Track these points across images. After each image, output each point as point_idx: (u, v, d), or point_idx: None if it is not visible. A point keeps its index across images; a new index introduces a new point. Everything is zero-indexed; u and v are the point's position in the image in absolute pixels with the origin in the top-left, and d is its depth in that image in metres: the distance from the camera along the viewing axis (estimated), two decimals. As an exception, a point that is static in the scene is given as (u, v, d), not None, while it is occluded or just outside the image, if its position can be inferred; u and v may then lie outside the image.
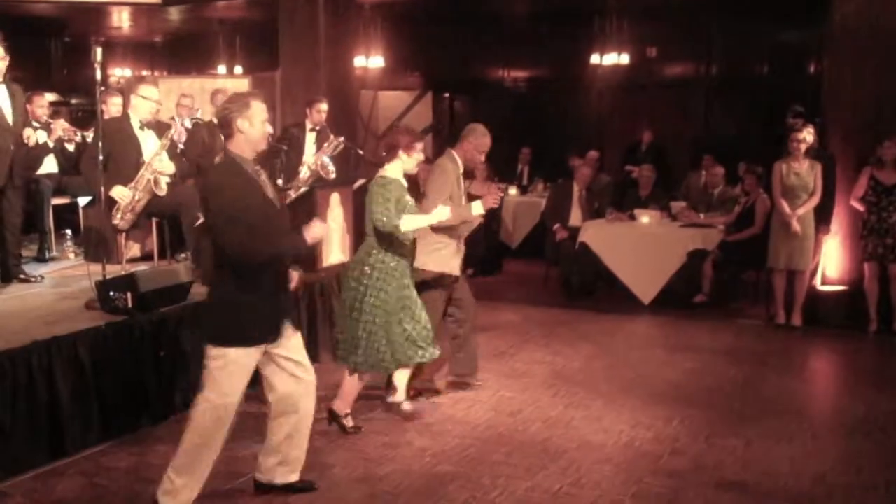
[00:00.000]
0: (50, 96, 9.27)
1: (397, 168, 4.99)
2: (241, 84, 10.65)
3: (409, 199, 4.92)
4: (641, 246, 8.48)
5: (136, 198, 6.06)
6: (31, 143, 6.57)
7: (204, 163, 7.19)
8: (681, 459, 4.72)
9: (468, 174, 5.97)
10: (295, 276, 4.14)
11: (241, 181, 3.74)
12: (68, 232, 7.57)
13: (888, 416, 5.46)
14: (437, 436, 5.03)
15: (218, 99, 7.47)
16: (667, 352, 6.93)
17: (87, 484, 4.35)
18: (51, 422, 4.53)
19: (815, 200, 7.50)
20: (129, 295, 5.10)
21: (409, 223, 4.82)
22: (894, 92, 7.57)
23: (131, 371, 4.98)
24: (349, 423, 5.07)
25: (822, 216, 7.71)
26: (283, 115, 10.00)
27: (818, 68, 11.77)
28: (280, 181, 6.90)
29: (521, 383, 6.01)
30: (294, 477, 4.20)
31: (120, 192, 5.99)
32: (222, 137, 3.95)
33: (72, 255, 7.34)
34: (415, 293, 5.01)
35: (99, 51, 5.46)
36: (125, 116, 6.37)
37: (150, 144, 6.24)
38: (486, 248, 9.58)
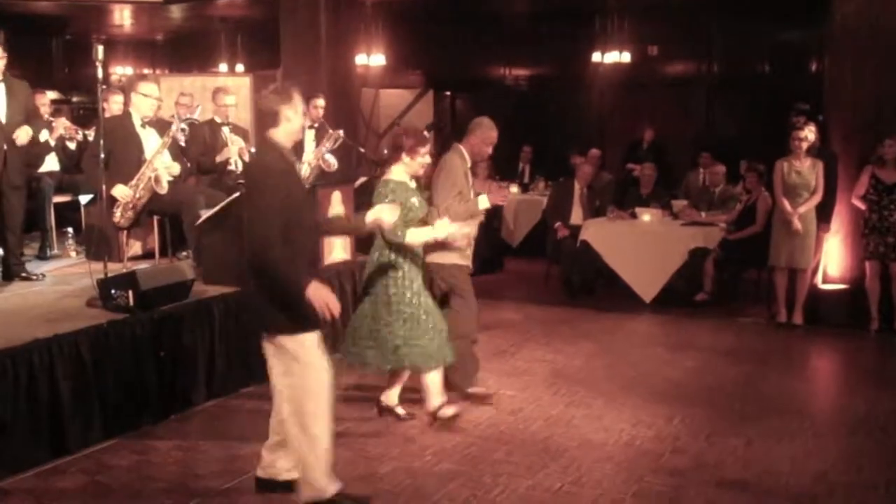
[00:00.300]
0: (51, 94, 9.28)
1: (401, 171, 4.99)
2: (243, 82, 10.64)
3: (415, 201, 4.92)
4: (642, 244, 8.48)
5: (137, 196, 6.06)
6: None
7: (205, 161, 7.19)
8: (682, 458, 4.72)
9: (474, 169, 5.97)
10: None
11: (288, 166, 3.92)
12: (70, 230, 7.57)
13: (889, 414, 5.45)
14: (438, 434, 5.03)
15: (219, 97, 7.47)
16: (668, 350, 6.93)
17: (89, 482, 4.35)
18: (52, 420, 4.53)
19: (817, 199, 7.50)
20: (130, 293, 5.11)
21: (414, 236, 4.86)
22: (895, 91, 7.56)
23: (132, 369, 4.98)
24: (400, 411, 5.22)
25: (824, 215, 7.71)
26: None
27: (819, 67, 11.77)
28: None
29: (521, 382, 6.01)
30: (296, 475, 4.20)
31: (121, 191, 5.99)
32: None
33: (73, 254, 7.34)
34: (427, 295, 5.03)
35: (100, 49, 5.46)
36: (126, 114, 6.37)
37: (151, 142, 6.24)
38: (487, 246, 9.57)
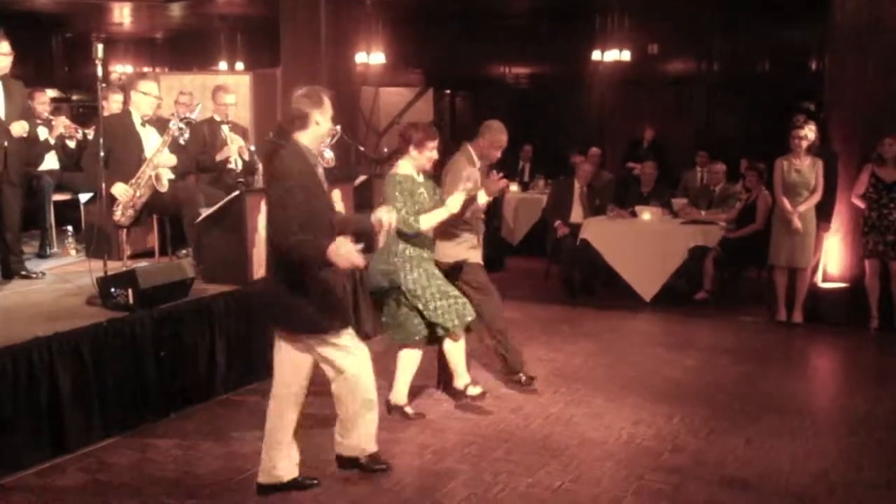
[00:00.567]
0: (51, 93, 9.28)
1: (408, 165, 5.02)
2: (243, 81, 10.63)
3: (422, 192, 4.95)
4: (643, 243, 8.48)
5: (138, 194, 6.06)
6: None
7: (204, 160, 7.19)
8: (682, 456, 4.72)
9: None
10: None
11: (308, 169, 3.98)
12: (69, 228, 7.56)
13: (889, 413, 5.46)
14: (439, 432, 5.04)
15: (219, 96, 7.47)
16: (668, 349, 6.93)
17: (89, 480, 4.35)
18: (52, 418, 4.53)
19: (817, 197, 7.50)
20: (130, 291, 5.11)
21: (428, 221, 4.94)
22: (895, 90, 7.56)
23: (132, 367, 4.98)
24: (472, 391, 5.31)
25: (824, 213, 7.71)
26: (283, 111, 10.00)
27: (819, 66, 11.77)
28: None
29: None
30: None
31: (121, 190, 5.99)
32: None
33: (73, 252, 7.33)
34: (441, 277, 5.14)
35: (100, 47, 5.46)
36: (126, 113, 6.37)
37: (151, 141, 6.24)
38: (487, 245, 9.56)
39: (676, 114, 13.28)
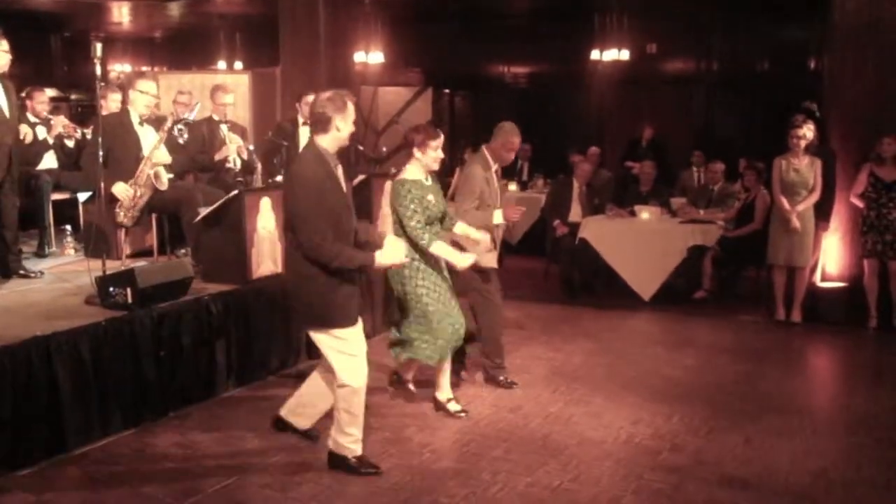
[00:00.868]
0: (50, 92, 9.26)
1: (415, 168, 5.02)
2: (241, 80, 10.61)
3: (431, 198, 4.96)
4: (641, 242, 8.48)
5: (138, 194, 6.05)
6: (28, 140, 6.56)
7: (203, 159, 7.18)
8: (681, 455, 4.72)
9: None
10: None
11: (326, 173, 4.09)
12: (68, 227, 7.55)
13: (888, 412, 5.46)
14: (437, 431, 5.04)
15: (218, 96, 7.45)
16: (667, 348, 6.93)
17: (88, 479, 4.35)
18: (51, 417, 4.53)
19: (815, 197, 7.51)
20: (128, 290, 5.10)
21: (439, 250, 4.95)
22: (894, 88, 7.56)
23: (131, 366, 4.97)
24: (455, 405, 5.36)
25: (822, 213, 7.72)
26: (283, 110, 10.00)
27: (818, 65, 11.78)
28: (280, 178, 6.89)
29: (521, 379, 6.00)
30: (307, 424, 4.72)
31: (121, 189, 5.98)
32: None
33: (71, 251, 7.32)
34: (447, 287, 5.14)
35: (99, 46, 5.45)
36: (125, 112, 6.36)
37: (149, 140, 6.23)
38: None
39: (675, 113, 13.28)
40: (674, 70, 13.96)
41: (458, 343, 5.17)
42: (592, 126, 14.07)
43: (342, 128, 4.13)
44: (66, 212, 7.76)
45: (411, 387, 5.55)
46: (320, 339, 4.24)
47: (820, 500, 4.22)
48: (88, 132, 7.14)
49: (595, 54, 13.52)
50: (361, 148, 8.15)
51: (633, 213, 8.94)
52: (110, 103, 7.29)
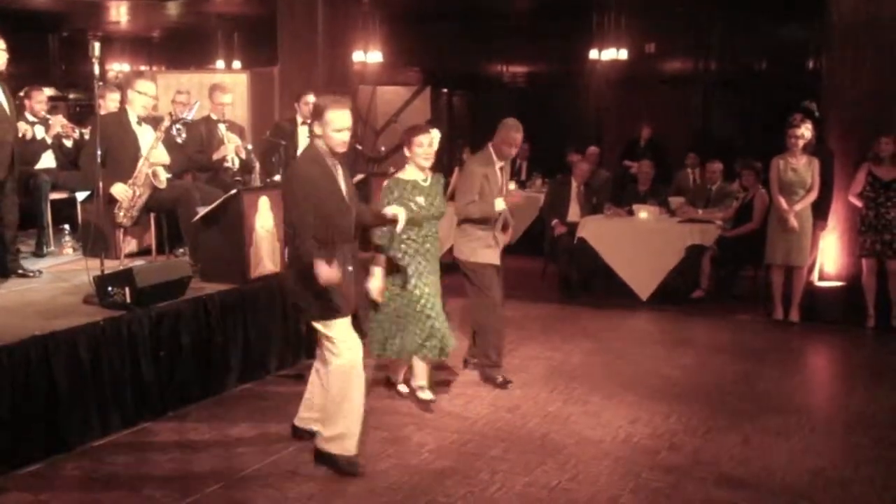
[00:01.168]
0: (48, 91, 9.25)
1: (413, 168, 5.11)
2: (240, 79, 10.61)
3: (421, 200, 5.03)
4: (640, 242, 8.48)
5: (137, 193, 6.05)
6: (28, 136, 6.56)
7: (201, 158, 7.17)
8: (679, 455, 4.72)
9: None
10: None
11: (321, 173, 4.19)
12: (66, 227, 7.54)
13: (886, 411, 5.47)
14: (436, 431, 5.04)
15: (216, 95, 7.45)
16: (665, 348, 6.94)
17: (86, 478, 4.34)
18: (49, 416, 4.53)
19: (813, 196, 7.51)
20: (127, 290, 5.09)
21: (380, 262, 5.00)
22: (892, 88, 7.57)
23: (130, 366, 4.97)
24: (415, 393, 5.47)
25: (820, 212, 7.72)
26: (281, 109, 10.00)
27: (816, 64, 11.78)
28: (278, 177, 6.89)
29: (519, 379, 6.00)
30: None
31: (120, 190, 5.98)
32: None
33: (70, 250, 7.31)
34: (430, 290, 5.16)
35: (97, 45, 5.44)
36: (122, 111, 6.36)
37: (147, 139, 6.22)
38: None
39: (674, 113, 13.28)
40: (672, 69, 13.96)
41: (432, 351, 5.21)
42: (591, 125, 14.08)
43: (319, 133, 4.21)
44: (64, 211, 7.75)
45: (402, 388, 5.59)
46: (317, 326, 4.33)
47: (818, 499, 4.23)
48: (87, 132, 7.13)
49: (593, 54, 13.52)
50: (360, 147, 8.15)
51: (631, 213, 8.94)
52: (108, 103, 7.28)
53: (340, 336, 4.27)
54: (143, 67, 17.40)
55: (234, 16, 15.07)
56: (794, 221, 7.43)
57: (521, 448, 4.79)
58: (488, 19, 14.03)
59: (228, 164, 7.24)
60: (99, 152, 5.57)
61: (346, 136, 4.22)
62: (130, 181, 6.02)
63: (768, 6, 11.98)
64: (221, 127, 7.35)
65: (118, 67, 17.29)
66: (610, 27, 13.62)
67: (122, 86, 6.61)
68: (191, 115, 7.17)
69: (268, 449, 4.70)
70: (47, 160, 7.57)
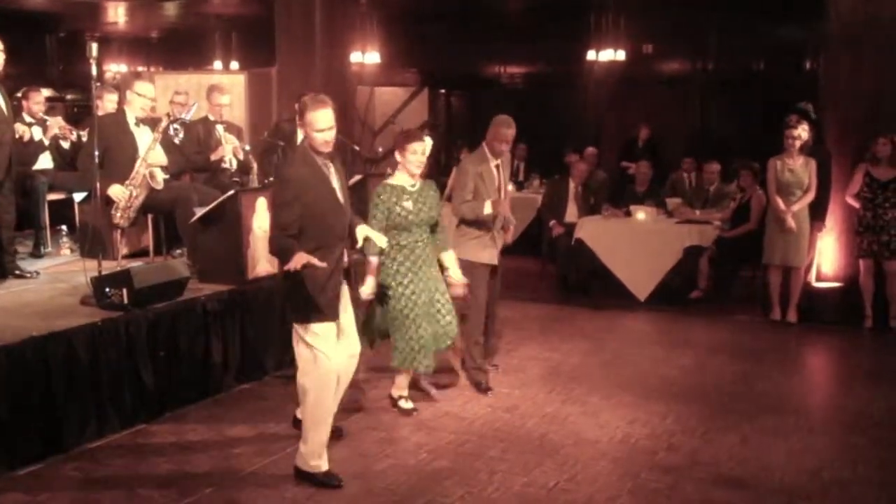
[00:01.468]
0: (46, 92, 9.24)
1: (402, 174, 5.08)
2: (238, 80, 10.61)
3: (409, 205, 5.00)
4: (637, 242, 8.48)
5: (134, 194, 6.05)
6: (27, 138, 6.57)
7: (198, 159, 7.17)
8: (677, 455, 4.73)
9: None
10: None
11: (310, 172, 4.12)
12: (64, 228, 7.53)
13: (884, 411, 5.47)
14: (434, 431, 5.03)
15: (214, 96, 7.45)
16: (663, 348, 6.94)
17: (84, 479, 4.34)
18: (47, 417, 4.52)
19: (810, 197, 7.51)
20: (124, 291, 5.09)
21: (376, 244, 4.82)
22: (890, 88, 7.58)
23: (127, 367, 4.97)
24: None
25: (818, 213, 7.72)
26: (279, 110, 9.99)
27: (814, 65, 11.80)
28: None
29: (517, 379, 6.01)
30: None
31: (117, 191, 5.97)
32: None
33: (67, 251, 7.31)
34: (418, 297, 5.09)
35: (94, 46, 5.44)
36: (121, 112, 6.35)
37: (145, 140, 6.22)
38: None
39: (671, 113, 13.29)
40: (670, 70, 13.99)
41: (428, 354, 5.15)
42: (589, 126, 14.09)
43: (304, 133, 4.21)
44: (61, 212, 7.74)
45: (433, 391, 5.64)
46: (298, 331, 4.23)
47: (815, 500, 4.23)
48: (84, 134, 7.12)
49: (591, 54, 13.51)
50: (357, 148, 8.15)
51: (628, 214, 8.94)
52: (106, 103, 7.28)
53: (321, 345, 4.16)
54: (140, 68, 17.40)
55: (232, 16, 15.06)
56: (791, 222, 7.43)
57: (519, 448, 4.79)
58: (486, 20, 14.03)
59: (226, 165, 7.24)
60: (97, 153, 5.56)
61: (328, 136, 4.10)
62: (127, 182, 6.02)
63: (766, 7, 11.99)
64: (219, 128, 7.35)
65: (116, 68, 17.28)
66: (608, 28, 13.61)
67: (121, 87, 6.62)
68: (189, 116, 7.17)
69: (266, 449, 4.70)
70: (45, 161, 7.57)
